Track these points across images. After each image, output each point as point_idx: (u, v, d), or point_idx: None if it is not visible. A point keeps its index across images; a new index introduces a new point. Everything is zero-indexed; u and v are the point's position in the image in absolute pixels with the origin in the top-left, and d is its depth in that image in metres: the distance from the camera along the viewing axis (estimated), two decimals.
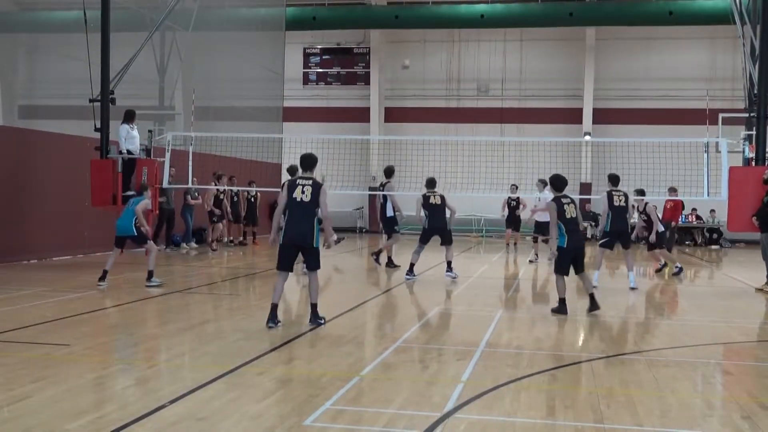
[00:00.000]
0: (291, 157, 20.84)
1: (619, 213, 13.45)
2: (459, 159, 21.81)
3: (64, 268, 15.23)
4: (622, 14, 28.74)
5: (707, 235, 28.10)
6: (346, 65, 33.06)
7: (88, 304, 10.59)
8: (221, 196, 21.20)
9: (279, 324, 9.17)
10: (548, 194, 17.25)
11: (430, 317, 10.52)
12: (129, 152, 16.62)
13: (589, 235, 29.33)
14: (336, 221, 30.25)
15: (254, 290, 13.52)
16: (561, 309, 10.58)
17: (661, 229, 15.66)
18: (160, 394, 6.14)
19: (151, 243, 12.84)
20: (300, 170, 9.62)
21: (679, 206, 23.14)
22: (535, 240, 19.55)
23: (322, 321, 9.33)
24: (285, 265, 9.19)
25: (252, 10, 28.57)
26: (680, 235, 27.70)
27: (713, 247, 27.29)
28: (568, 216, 10.47)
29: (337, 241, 13.06)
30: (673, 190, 21.40)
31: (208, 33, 25.33)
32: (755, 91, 15.69)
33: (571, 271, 10.68)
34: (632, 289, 13.51)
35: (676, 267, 16.28)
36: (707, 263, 21.33)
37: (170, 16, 20.10)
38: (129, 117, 16.62)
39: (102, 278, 12.43)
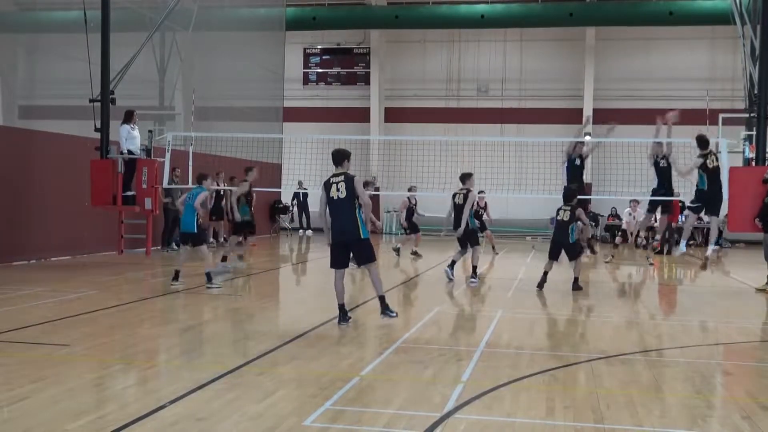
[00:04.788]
0: (291, 157, 20.87)
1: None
2: (459, 159, 21.79)
3: (64, 268, 15.23)
4: (622, 14, 28.74)
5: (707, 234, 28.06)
6: (346, 65, 33.05)
7: (88, 304, 10.59)
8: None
9: (350, 320, 9.41)
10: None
11: (430, 317, 10.52)
12: (129, 152, 16.62)
13: (589, 235, 29.33)
14: None
15: (254, 290, 13.52)
16: None
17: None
18: (159, 395, 6.14)
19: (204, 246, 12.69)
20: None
21: (677, 206, 23.11)
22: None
23: (394, 314, 9.29)
24: (337, 263, 9.40)
25: (252, 10, 28.57)
26: (680, 236, 27.65)
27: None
28: None
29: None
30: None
31: (208, 33, 25.33)
32: (755, 92, 15.69)
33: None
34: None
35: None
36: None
37: (170, 16, 20.11)
38: (128, 117, 16.64)
39: (175, 278, 12.62)
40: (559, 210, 13.31)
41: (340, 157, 9.35)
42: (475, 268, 14.24)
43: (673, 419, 5.84)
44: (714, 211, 13.43)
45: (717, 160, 13.14)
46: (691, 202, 13.36)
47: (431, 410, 5.84)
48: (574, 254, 13.20)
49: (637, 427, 5.61)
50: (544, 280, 13.13)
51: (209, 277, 12.45)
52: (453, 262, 14.56)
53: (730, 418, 5.92)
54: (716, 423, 5.82)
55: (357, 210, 9.15)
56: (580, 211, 13.14)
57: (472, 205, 14.13)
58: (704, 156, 13.04)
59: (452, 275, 14.37)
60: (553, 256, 13.34)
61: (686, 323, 10.71)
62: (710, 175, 13.04)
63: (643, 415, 5.86)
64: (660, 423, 5.72)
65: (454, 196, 14.25)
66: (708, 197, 13.18)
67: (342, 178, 9.20)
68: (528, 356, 7.92)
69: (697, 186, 13.25)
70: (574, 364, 7.60)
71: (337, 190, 9.16)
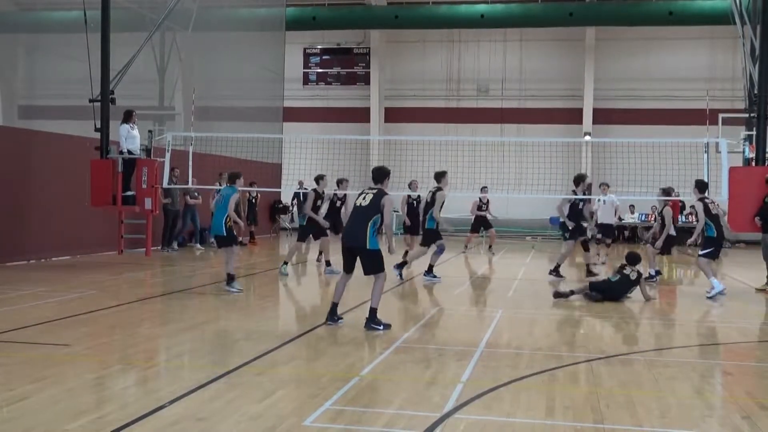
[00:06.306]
0: (291, 158, 20.89)
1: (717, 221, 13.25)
2: (459, 159, 21.79)
3: (64, 268, 15.23)
4: (622, 14, 28.75)
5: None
6: (346, 65, 33.06)
7: (88, 304, 10.59)
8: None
9: (340, 321, 9.36)
10: (613, 197, 17.43)
11: (430, 317, 10.53)
12: (129, 152, 16.63)
13: (589, 236, 29.31)
14: None
15: (254, 290, 13.52)
16: None
17: (673, 233, 15.31)
18: (160, 395, 6.15)
19: (234, 246, 12.32)
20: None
21: (676, 206, 23.17)
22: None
23: (380, 328, 9.03)
24: (345, 267, 9.37)
25: (252, 10, 28.57)
26: (680, 236, 27.65)
27: None
28: None
29: None
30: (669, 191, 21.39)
31: (208, 33, 25.34)
32: (755, 92, 15.68)
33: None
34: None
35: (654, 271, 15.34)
36: None
37: (170, 17, 20.10)
38: (128, 116, 16.64)
39: (230, 281, 12.21)
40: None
41: (380, 175, 9.45)
42: (405, 264, 14.67)
43: (672, 419, 5.84)
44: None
45: (714, 203, 13.29)
46: (704, 249, 13.16)
47: (431, 410, 5.84)
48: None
49: (637, 427, 5.61)
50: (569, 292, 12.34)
51: (232, 277, 12.19)
52: (430, 267, 14.62)
53: (729, 418, 5.92)
54: (716, 423, 5.83)
55: (371, 222, 9.07)
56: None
57: (438, 205, 14.10)
58: (702, 200, 13.09)
59: (434, 277, 14.47)
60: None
61: (685, 323, 10.71)
62: (713, 220, 13.06)
63: (642, 415, 5.87)
64: (660, 423, 5.73)
65: None
66: (718, 242, 13.19)
67: (375, 191, 9.28)
68: (528, 356, 7.92)
69: (706, 234, 13.20)
70: (574, 364, 7.60)
71: (363, 198, 9.23)
